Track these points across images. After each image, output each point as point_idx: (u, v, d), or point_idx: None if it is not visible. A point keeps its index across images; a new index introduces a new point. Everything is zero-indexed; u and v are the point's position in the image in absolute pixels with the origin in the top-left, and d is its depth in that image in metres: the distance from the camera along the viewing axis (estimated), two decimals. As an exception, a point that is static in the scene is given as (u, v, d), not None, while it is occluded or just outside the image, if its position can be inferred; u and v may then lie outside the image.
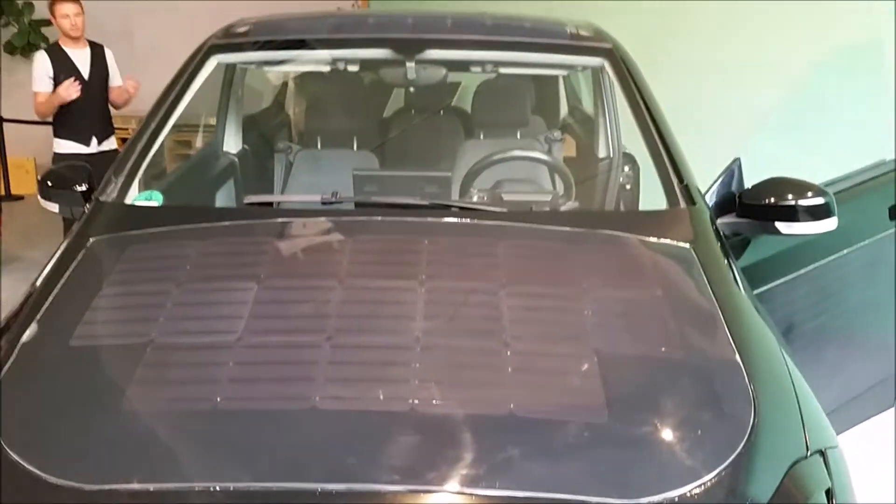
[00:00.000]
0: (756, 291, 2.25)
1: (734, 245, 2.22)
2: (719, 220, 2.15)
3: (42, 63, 4.50)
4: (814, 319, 2.44)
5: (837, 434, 2.74)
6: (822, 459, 1.43)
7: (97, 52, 4.66)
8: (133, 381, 1.46)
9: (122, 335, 1.62)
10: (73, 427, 1.40)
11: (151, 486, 1.26)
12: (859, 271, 2.52)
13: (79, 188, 2.19)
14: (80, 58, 4.58)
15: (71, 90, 4.38)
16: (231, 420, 1.38)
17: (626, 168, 2.90)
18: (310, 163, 3.08)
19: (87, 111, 4.52)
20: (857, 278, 2.52)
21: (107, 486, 1.26)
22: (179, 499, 1.24)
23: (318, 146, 3.28)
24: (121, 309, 1.71)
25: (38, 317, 1.66)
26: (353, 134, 3.28)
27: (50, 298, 1.71)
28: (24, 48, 8.24)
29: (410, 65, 2.54)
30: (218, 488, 1.24)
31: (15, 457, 1.33)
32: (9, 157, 7.90)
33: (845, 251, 2.44)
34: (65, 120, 4.53)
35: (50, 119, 4.63)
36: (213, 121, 3.23)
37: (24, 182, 8.09)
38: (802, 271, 2.35)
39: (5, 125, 7.78)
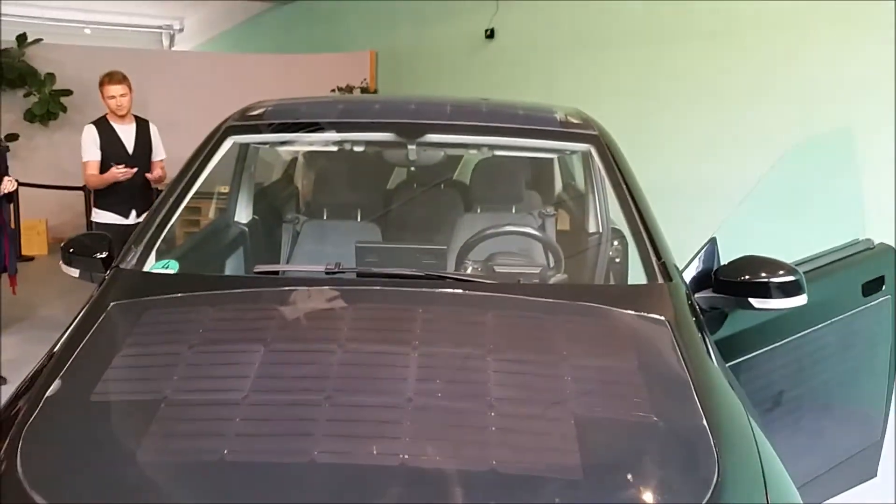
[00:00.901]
0: (736, 361, 2.38)
1: (712, 318, 2.36)
2: (697, 295, 2.29)
3: (90, 134, 4.67)
4: (794, 389, 2.55)
5: (821, 502, 2.82)
6: None
7: (142, 127, 4.85)
8: (148, 433, 1.59)
9: (138, 392, 1.76)
10: (93, 474, 1.52)
11: None
12: (835, 344, 2.64)
13: (99, 255, 2.36)
14: (126, 133, 4.76)
15: (125, 175, 4.56)
16: (236, 472, 1.50)
17: (616, 243, 3.07)
18: (316, 233, 3.25)
19: (130, 185, 4.65)
20: (833, 351, 2.65)
21: None
22: None
23: (325, 217, 3.46)
24: (138, 368, 1.84)
25: (61, 374, 1.79)
26: (357, 206, 3.47)
27: (72, 357, 1.85)
28: (42, 116, 8.59)
29: (412, 147, 2.74)
30: None
31: (40, 500, 1.44)
32: (22, 219, 8.15)
33: (820, 325, 2.57)
34: (107, 191, 4.67)
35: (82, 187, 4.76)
36: (224, 188, 3.42)
37: (35, 243, 8.31)
38: (780, 343, 2.48)
39: (20, 189, 8.05)
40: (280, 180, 4.13)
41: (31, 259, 7.92)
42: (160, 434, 1.59)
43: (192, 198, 2.52)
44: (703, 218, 4.84)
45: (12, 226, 4.71)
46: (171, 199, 2.45)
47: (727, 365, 2.18)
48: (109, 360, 1.83)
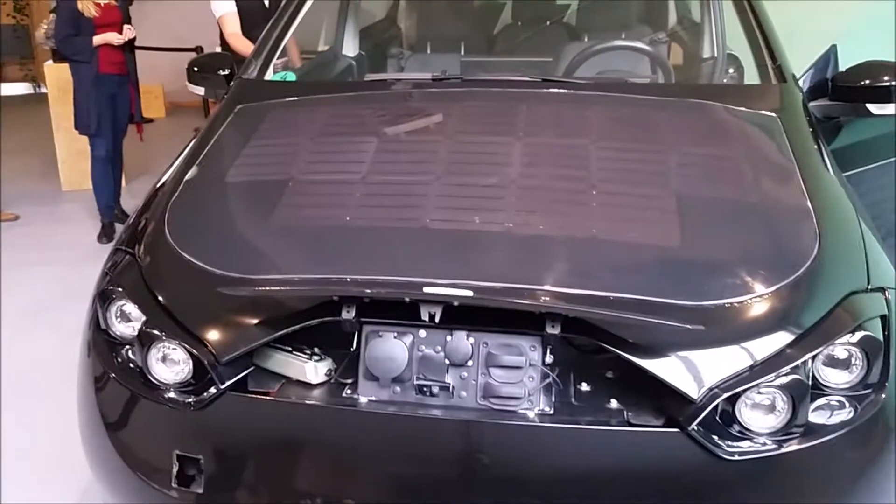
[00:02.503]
0: (848, 174, 2.32)
1: (826, 129, 2.30)
2: (812, 103, 2.23)
3: None
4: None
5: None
6: (882, 295, 1.56)
7: None
8: (278, 205, 1.76)
9: (267, 174, 1.94)
10: (230, 236, 1.72)
11: (296, 276, 1.56)
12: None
13: (222, 72, 2.51)
14: None
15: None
16: (358, 233, 1.66)
17: (731, 70, 2.97)
18: (420, 64, 3.30)
19: None
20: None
21: (257, 276, 1.57)
22: (317, 285, 1.53)
23: (428, 51, 3.50)
24: (265, 156, 2.02)
25: (198, 161, 1.99)
26: (461, 41, 3.47)
27: (206, 149, 2.03)
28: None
29: None
30: (349, 279, 1.52)
31: (186, 256, 1.66)
32: (140, 83, 8.53)
33: (942, 142, 2.46)
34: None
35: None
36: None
37: (153, 107, 8.71)
38: (893, 158, 2.40)
39: (137, 53, 8.41)
40: (382, 21, 4.16)
41: (150, 121, 8.35)
42: (289, 205, 1.77)
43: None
44: (825, 26, 4.43)
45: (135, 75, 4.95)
46: (287, 15, 2.55)
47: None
48: (240, 150, 2.01)
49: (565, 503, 1.41)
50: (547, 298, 1.44)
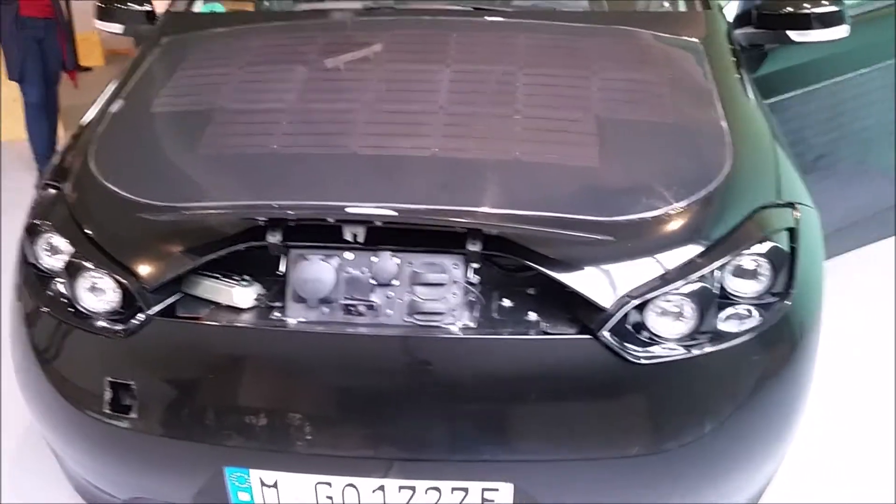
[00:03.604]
0: (770, 101, 2.39)
1: (751, 57, 2.35)
2: (737, 31, 2.28)
3: None
4: (825, 135, 2.57)
5: (840, 254, 2.89)
6: (791, 210, 1.64)
7: None
8: (205, 134, 1.76)
9: (193, 104, 1.92)
10: (155, 166, 1.71)
11: (222, 203, 1.57)
12: (877, 92, 2.61)
13: (141, 7, 2.33)
14: None
15: None
16: (285, 160, 1.67)
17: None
18: None
19: None
20: (875, 99, 2.62)
21: (182, 204, 1.58)
22: (245, 212, 1.54)
23: None
24: (192, 86, 2.00)
25: (123, 94, 1.96)
26: None
27: (132, 83, 2.00)
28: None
29: None
30: (276, 204, 1.53)
31: (112, 186, 1.65)
32: (76, 33, 8.21)
33: (864, 70, 2.54)
34: None
35: None
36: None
37: (93, 55, 8.39)
38: (818, 85, 2.47)
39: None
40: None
41: (89, 69, 8.07)
42: (215, 134, 1.76)
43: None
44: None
45: (67, 19, 4.75)
46: None
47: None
48: (166, 82, 1.99)
49: (488, 409, 1.47)
50: (467, 218, 1.48)
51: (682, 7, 2.29)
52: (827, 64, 2.45)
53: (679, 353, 1.47)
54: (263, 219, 1.47)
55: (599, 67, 1.92)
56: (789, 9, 2.19)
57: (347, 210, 1.47)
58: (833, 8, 2.16)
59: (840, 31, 2.17)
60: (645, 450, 1.47)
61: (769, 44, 2.31)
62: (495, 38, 2.06)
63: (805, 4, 2.17)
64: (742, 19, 2.31)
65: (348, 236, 1.46)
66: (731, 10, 2.32)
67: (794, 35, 2.19)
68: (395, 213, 1.47)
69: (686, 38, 2.04)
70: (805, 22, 2.17)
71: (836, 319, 2.75)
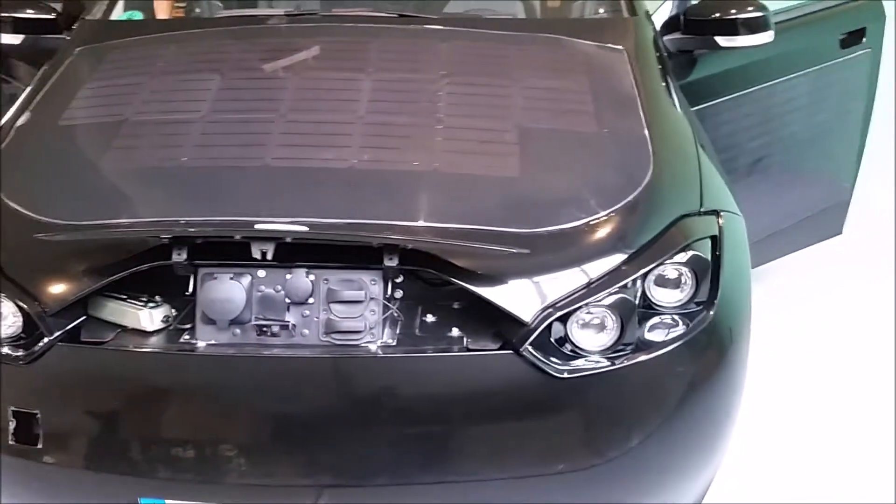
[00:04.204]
0: (700, 106, 2.39)
1: (681, 63, 2.36)
2: (666, 38, 2.28)
3: None
4: (761, 137, 2.58)
5: (782, 256, 2.92)
6: (715, 218, 1.63)
7: None
8: (112, 148, 1.68)
9: (102, 116, 1.84)
10: (61, 182, 1.63)
11: (126, 220, 1.50)
12: (807, 96, 2.64)
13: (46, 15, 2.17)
14: None
15: None
16: (195, 174, 1.61)
17: (601, 10, 2.97)
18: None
19: None
20: (805, 103, 2.65)
21: (85, 222, 1.50)
22: (148, 230, 1.47)
23: None
24: (101, 97, 1.92)
25: (31, 107, 1.87)
26: None
27: (41, 94, 1.91)
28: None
29: None
30: (184, 221, 1.46)
31: (13, 205, 1.56)
32: None
33: (792, 75, 2.56)
34: None
35: None
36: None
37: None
38: (749, 90, 2.48)
39: None
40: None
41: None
42: (123, 147, 1.69)
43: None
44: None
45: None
46: None
47: (693, 108, 2.21)
48: (75, 93, 1.90)
49: (410, 430, 1.42)
50: (383, 232, 1.43)
51: (609, 14, 2.28)
52: (758, 69, 2.46)
53: (603, 365, 1.44)
54: (167, 236, 1.40)
55: (522, 76, 1.90)
56: (716, 14, 2.20)
57: (257, 227, 1.41)
58: (758, 14, 2.17)
59: (765, 37, 2.19)
60: (571, 466, 1.44)
61: (697, 49, 2.31)
62: (419, 46, 2.02)
63: (731, 10, 2.18)
64: (671, 25, 2.31)
65: (256, 254, 1.40)
66: (660, 17, 2.31)
67: (721, 40, 2.20)
68: (306, 230, 1.41)
69: (611, 45, 2.02)
70: (731, 28, 2.18)
71: (803, 319, 2.84)
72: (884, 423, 2.40)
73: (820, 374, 2.62)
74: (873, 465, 2.24)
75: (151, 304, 1.49)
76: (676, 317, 1.52)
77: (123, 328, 1.48)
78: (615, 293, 1.44)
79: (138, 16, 2.29)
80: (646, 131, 1.72)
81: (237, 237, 1.39)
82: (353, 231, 1.43)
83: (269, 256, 1.40)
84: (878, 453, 2.28)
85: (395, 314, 1.47)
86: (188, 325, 1.48)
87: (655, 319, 1.51)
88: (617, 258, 1.47)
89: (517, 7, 2.86)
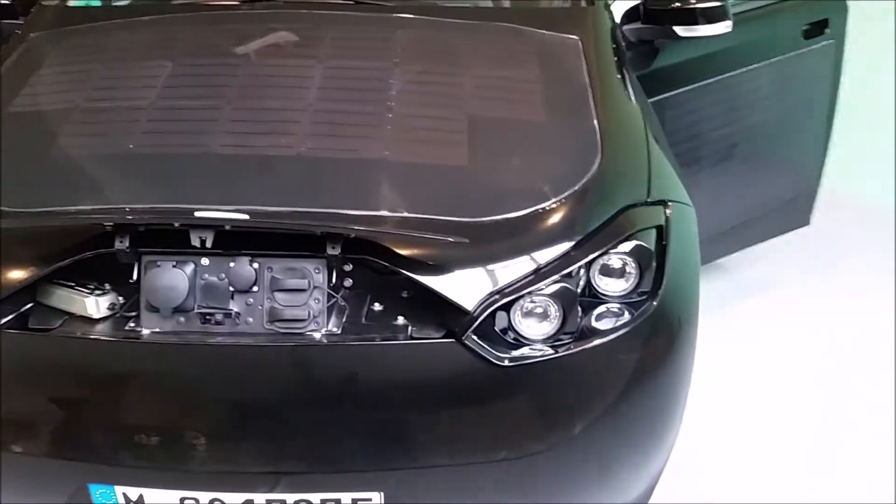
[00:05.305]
0: (662, 96, 2.40)
1: (642, 53, 2.37)
2: (626, 27, 2.29)
3: None
4: (723, 128, 2.60)
5: (749, 246, 2.93)
6: (662, 208, 1.64)
7: None
8: (59, 135, 1.68)
9: (52, 103, 1.84)
10: (6, 169, 1.62)
11: (70, 208, 1.50)
12: (770, 86, 2.66)
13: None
14: None
15: None
16: (140, 161, 1.61)
17: None
18: None
19: None
20: (768, 93, 2.67)
21: (30, 209, 1.50)
22: (89, 217, 1.47)
23: None
24: (52, 84, 1.91)
25: None
26: None
27: None
28: None
29: None
30: (127, 209, 1.46)
31: None
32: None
33: (755, 65, 2.57)
34: None
35: None
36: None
37: None
38: (710, 80, 2.49)
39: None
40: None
41: None
42: (71, 135, 1.68)
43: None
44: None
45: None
46: None
47: (654, 99, 2.22)
48: (25, 80, 1.89)
49: (354, 418, 1.43)
50: (327, 221, 1.43)
51: (568, 2, 2.28)
52: (722, 59, 2.47)
53: (545, 353, 1.45)
54: (109, 224, 1.40)
55: (475, 65, 1.90)
56: (676, 4, 2.21)
57: (197, 214, 1.41)
58: (716, 4, 2.18)
59: (723, 27, 2.20)
60: (513, 453, 1.45)
61: (657, 39, 2.32)
62: (374, 33, 2.01)
63: (690, 0, 2.19)
64: (631, 15, 2.31)
65: (196, 241, 1.40)
66: (620, 7, 2.32)
67: (679, 30, 2.21)
68: (247, 217, 1.41)
69: (566, 35, 2.02)
70: (690, 17, 2.19)
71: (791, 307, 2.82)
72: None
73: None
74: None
75: (98, 292, 1.49)
76: (620, 306, 1.53)
77: (71, 315, 1.49)
78: (558, 282, 1.45)
79: (96, 2, 2.28)
80: (595, 121, 1.72)
81: (176, 224, 1.39)
82: (296, 219, 1.43)
83: (209, 244, 1.40)
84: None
85: (341, 303, 1.47)
86: (134, 313, 1.48)
87: (602, 308, 1.52)
88: (561, 247, 1.48)
89: None
